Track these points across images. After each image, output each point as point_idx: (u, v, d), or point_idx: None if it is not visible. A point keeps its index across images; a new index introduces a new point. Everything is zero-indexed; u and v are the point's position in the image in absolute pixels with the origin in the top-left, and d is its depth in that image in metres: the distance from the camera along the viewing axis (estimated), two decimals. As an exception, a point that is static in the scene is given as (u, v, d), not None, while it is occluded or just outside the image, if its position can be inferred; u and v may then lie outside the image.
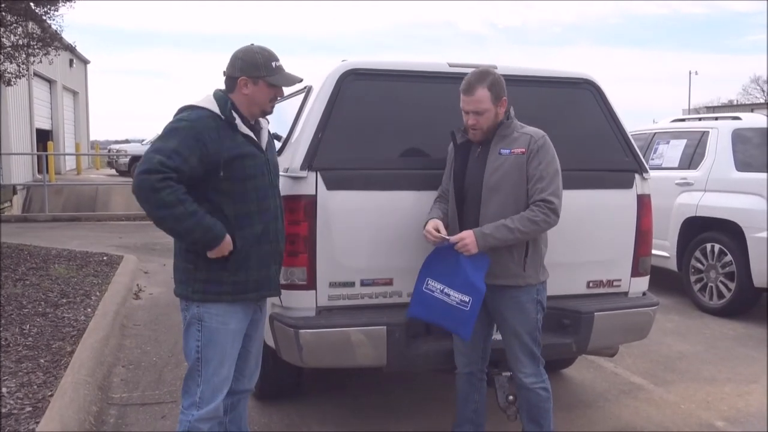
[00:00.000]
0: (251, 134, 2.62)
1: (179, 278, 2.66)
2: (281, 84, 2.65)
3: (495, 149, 2.96)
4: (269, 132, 2.82)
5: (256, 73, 2.59)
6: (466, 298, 2.90)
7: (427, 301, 2.97)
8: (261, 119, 2.75)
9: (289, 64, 2.71)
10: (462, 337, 2.97)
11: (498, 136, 2.97)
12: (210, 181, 2.52)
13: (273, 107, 2.71)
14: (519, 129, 2.98)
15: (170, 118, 2.59)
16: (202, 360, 2.60)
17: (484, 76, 2.93)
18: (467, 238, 2.87)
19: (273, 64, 2.62)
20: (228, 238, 2.53)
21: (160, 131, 2.59)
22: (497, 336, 3.20)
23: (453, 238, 2.90)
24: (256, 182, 2.60)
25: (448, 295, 2.93)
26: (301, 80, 2.72)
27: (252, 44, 2.67)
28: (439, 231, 2.95)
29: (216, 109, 2.55)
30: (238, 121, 2.58)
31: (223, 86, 2.68)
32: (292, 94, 3.88)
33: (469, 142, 3.05)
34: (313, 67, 3.85)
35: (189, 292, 2.61)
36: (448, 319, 2.95)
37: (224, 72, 2.66)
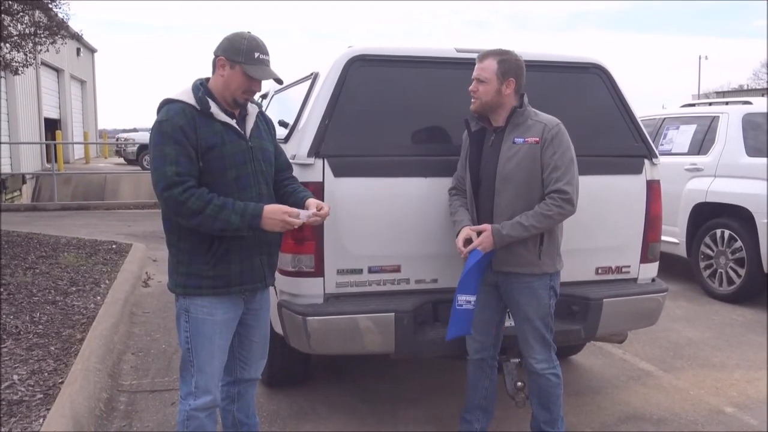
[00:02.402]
0: (230, 121, 2.54)
1: (168, 270, 2.67)
2: (255, 76, 2.53)
3: (509, 138, 2.93)
4: (263, 118, 2.75)
5: (235, 57, 2.50)
6: (473, 298, 2.93)
7: (462, 317, 2.96)
8: (249, 104, 2.66)
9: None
10: (468, 334, 3.03)
11: (512, 124, 2.94)
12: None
13: (246, 99, 2.59)
14: (533, 117, 2.95)
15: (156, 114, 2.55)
16: (192, 350, 2.60)
17: (501, 52, 2.94)
18: (485, 241, 2.87)
19: (256, 54, 2.51)
20: (271, 206, 2.49)
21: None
22: (509, 322, 3.19)
23: (475, 243, 2.89)
24: (237, 171, 2.53)
25: (471, 302, 2.94)
26: (279, 80, 2.63)
27: (248, 31, 2.58)
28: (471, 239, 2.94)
29: (192, 100, 2.50)
30: (214, 108, 2.51)
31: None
32: (298, 80, 3.86)
33: (484, 130, 3.02)
34: (319, 54, 3.82)
35: (173, 285, 2.62)
36: (469, 324, 2.99)
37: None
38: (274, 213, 2.49)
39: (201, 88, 2.55)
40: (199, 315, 2.57)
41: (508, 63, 2.91)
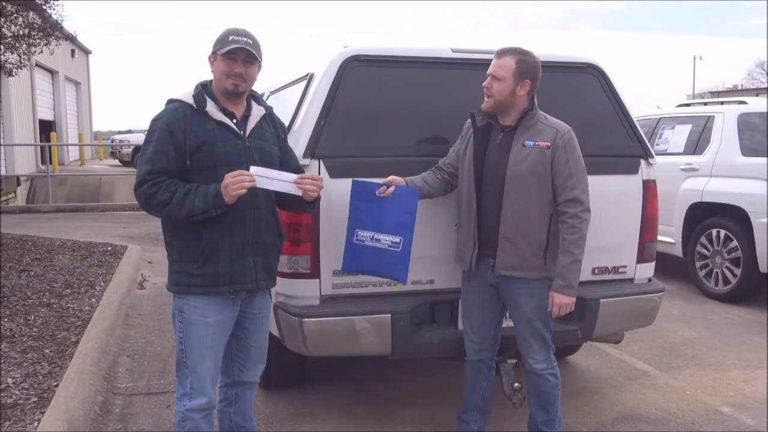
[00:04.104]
0: (225, 120, 2.57)
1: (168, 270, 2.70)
2: (226, 50, 2.51)
3: (519, 140, 2.91)
4: (271, 121, 2.75)
5: (214, 47, 2.59)
6: (397, 239, 2.91)
7: (359, 251, 2.96)
8: (255, 106, 2.68)
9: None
10: (398, 279, 2.96)
11: (522, 126, 2.92)
12: (183, 171, 2.53)
13: (234, 86, 2.55)
14: (543, 120, 2.93)
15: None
16: (185, 351, 2.61)
17: (521, 51, 2.91)
18: (561, 302, 2.87)
19: (230, 37, 2.54)
20: (226, 177, 2.41)
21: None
22: (505, 323, 3.19)
23: (555, 312, 2.89)
24: (229, 170, 2.49)
25: (379, 240, 2.93)
26: (254, 55, 2.55)
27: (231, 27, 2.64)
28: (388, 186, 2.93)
29: (189, 99, 2.55)
30: (209, 107, 2.55)
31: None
32: (293, 81, 3.85)
33: (490, 126, 3.00)
34: (315, 54, 3.81)
35: (168, 283, 2.66)
36: (381, 265, 2.94)
37: None
38: (225, 182, 2.42)
39: (200, 87, 2.61)
40: (192, 316, 2.58)
41: (526, 64, 2.87)
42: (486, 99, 2.93)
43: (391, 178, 2.98)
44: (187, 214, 2.46)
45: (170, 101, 2.61)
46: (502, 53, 2.91)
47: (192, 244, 2.54)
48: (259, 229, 2.62)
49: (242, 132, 2.61)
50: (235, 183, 2.42)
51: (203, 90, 2.60)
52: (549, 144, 2.87)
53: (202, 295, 2.57)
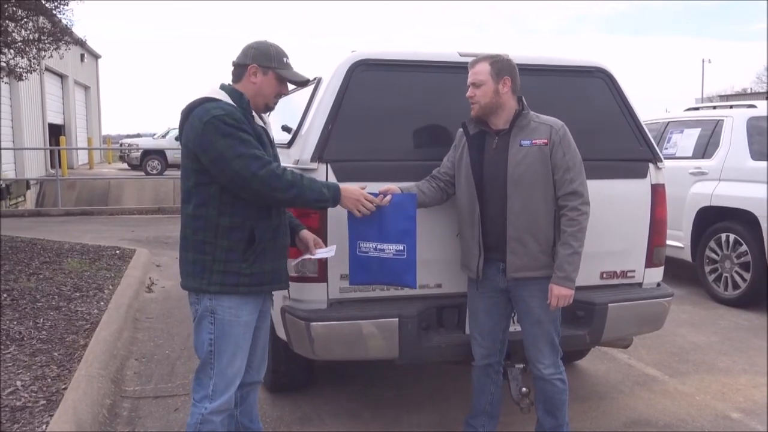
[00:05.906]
0: (266, 126, 2.64)
1: (191, 271, 2.59)
2: (290, 78, 2.64)
3: (515, 141, 2.92)
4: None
5: (267, 63, 2.59)
6: (401, 246, 2.89)
7: (365, 264, 2.95)
8: (263, 116, 2.74)
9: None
10: (408, 286, 2.95)
11: (516, 128, 2.93)
12: None
13: (275, 104, 2.69)
14: (535, 119, 2.95)
15: (179, 114, 2.57)
16: (215, 353, 2.59)
17: (491, 55, 2.96)
18: (560, 294, 2.86)
19: (284, 59, 2.64)
20: (347, 186, 2.72)
21: (202, 132, 2.44)
22: (512, 327, 3.18)
23: (554, 305, 2.88)
24: None
25: (383, 250, 2.91)
26: (308, 80, 2.71)
27: (266, 40, 2.68)
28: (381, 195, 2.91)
29: (230, 100, 2.55)
30: (254, 112, 2.61)
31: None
32: (301, 85, 3.85)
33: (483, 133, 3.01)
34: (322, 57, 3.83)
35: (204, 284, 2.56)
36: (390, 274, 2.94)
37: (233, 62, 2.65)
38: (352, 193, 2.71)
39: (241, 92, 2.59)
40: (225, 317, 2.58)
41: (500, 63, 2.92)
42: (472, 106, 2.96)
43: (386, 187, 2.96)
44: (315, 199, 2.58)
45: (212, 100, 2.51)
46: (474, 62, 2.96)
47: (239, 243, 2.54)
48: (286, 232, 2.75)
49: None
50: (359, 199, 2.72)
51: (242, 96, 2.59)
52: (546, 141, 2.90)
53: (236, 295, 2.57)
